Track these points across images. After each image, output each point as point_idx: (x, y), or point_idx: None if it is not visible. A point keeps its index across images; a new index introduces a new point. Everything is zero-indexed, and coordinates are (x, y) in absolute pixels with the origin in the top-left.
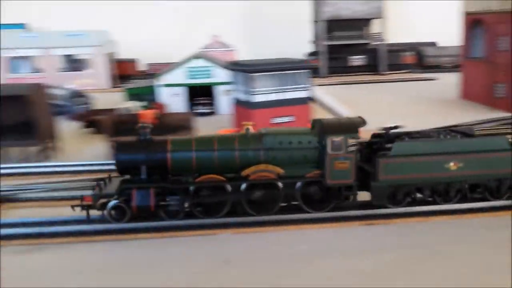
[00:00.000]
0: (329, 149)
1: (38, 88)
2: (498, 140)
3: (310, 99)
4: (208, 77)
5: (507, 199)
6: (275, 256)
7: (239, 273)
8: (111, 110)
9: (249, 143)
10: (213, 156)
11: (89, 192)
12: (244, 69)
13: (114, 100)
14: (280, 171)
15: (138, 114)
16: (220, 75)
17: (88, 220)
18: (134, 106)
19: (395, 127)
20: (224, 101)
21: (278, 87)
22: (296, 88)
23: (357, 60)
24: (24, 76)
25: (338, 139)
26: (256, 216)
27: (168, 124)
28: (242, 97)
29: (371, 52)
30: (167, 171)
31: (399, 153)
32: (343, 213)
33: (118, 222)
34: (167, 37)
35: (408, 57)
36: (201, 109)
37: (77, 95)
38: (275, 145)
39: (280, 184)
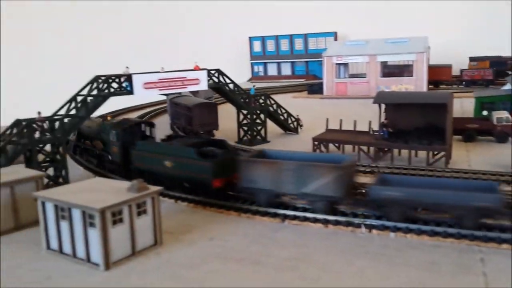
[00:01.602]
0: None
1: (451, 96)
2: (188, 149)
3: None
4: None
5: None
6: None
7: None
8: (479, 119)
9: (103, 128)
10: (94, 131)
11: None
12: None
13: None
14: (100, 145)
15: None
16: None
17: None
18: (504, 115)
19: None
20: None
21: None
22: None
23: None
24: (348, 81)
25: (113, 130)
26: None
27: None
28: None
29: None
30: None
31: (139, 148)
32: None
33: None
34: (478, 41)
35: None
36: None
37: None
38: (104, 130)
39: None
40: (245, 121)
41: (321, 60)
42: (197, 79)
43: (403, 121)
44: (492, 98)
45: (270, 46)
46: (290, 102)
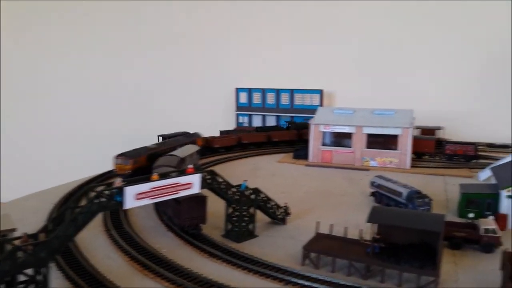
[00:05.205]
0: None
1: (443, 222)
2: None
3: None
4: None
5: None
6: None
7: None
8: (466, 226)
9: None
10: None
11: None
12: None
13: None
14: None
15: None
16: None
17: None
18: (491, 227)
19: None
20: None
21: None
22: None
23: None
24: (333, 149)
25: None
26: None
27: None
28: None
29: None
30: None
31: None
32: None
33: None
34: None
35: None
36: None
37: (418, 195)
38: None
39: None
40: (233, 215)
41: (306, 116)
42: (190, 183)
43: (396, 234)
44: (478, 195)
45: (256, 98)
46: (275, 169)
